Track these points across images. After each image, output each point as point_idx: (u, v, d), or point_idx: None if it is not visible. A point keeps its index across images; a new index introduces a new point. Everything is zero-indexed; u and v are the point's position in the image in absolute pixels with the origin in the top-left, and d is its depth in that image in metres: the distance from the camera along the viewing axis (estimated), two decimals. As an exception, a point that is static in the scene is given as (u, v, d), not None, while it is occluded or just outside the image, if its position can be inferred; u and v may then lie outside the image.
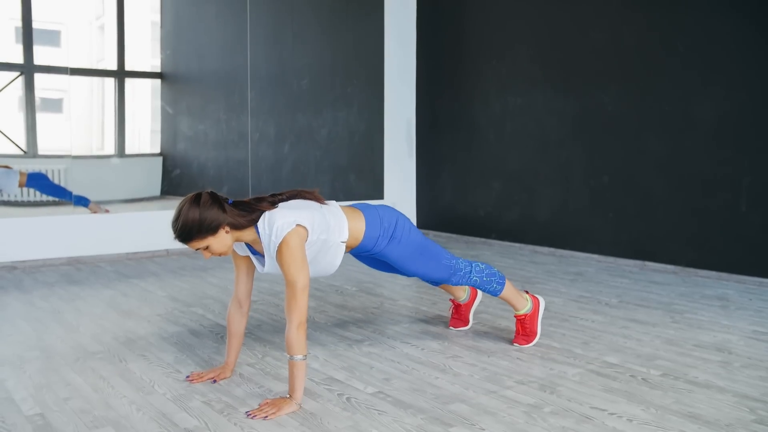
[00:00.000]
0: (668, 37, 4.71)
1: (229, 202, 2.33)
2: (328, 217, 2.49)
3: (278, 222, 2.29)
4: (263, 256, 2.46)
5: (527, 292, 3.02)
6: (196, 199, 2.27)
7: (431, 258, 2.75)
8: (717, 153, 4.49)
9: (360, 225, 2.58)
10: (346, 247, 2.60)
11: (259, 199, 2.40)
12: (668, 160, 4.75)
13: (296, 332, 2.22)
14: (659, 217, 4.82)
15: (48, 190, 5.22)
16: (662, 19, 4.75)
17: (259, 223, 2.33)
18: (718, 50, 4.47)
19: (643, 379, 2.55)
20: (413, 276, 2.80)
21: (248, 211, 2.33)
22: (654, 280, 4.44)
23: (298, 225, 2.31)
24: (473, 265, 2.87)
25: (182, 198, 2.32)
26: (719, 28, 4.46)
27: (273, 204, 2.39)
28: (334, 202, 2.61)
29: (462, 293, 3.23)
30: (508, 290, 2.91)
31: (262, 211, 2.34)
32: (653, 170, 4.84)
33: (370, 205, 2.70)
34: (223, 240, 2.29)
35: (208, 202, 2.26)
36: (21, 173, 5.07)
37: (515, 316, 2.98)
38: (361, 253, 2.71)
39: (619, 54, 5.02)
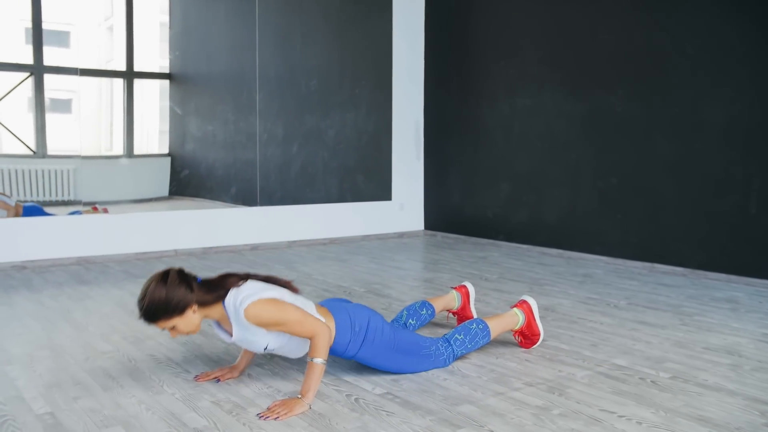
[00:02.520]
0: (678, 39, 4.70)
1: (198, 280, 2.29)
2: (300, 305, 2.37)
3: (245, 292, 2.25)
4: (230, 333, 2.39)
5: (515, 305, 2.98)
6: (164, 278, 2.21)
7: (408, 353, 2.57)
8: (726, 155, 4.47)
9: (330, 327, 2.42)
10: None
11: (229, 275, 2.34)
12: (677, 161, 4.73)
13: (322, 338, 2.27)
14: (668, 219, 4.80)
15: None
16: (672, 21, 4.74)
17: (227, 298, 2.28)
18: (727, 52, 4.45)
19: (652, 381, 2.54)
20: (392, 373, 2.60)
21: (215, 288, 2.28)
22: (663, 283, 4.43)
23: (261, 299, 2.24)
24: (452, 341, 2.69)
25: (150, 276, 2.26)
26: (729, 30, 4.44)
27: (244, 279, 2.34)
28: (308, 299, 2.49)
29: (452, 302, 3.24)
30: (496, 330, 2.83)
31: (230, 287, 2.29)
32: (662, 172, 4.82)
33: (341, 303, 2.56)
34: (190, 320, 2.24)
35: (176, 281, 2.21)
36: (17, 204, 5.05)
37: (513, 333, 2.97)
38: (330, 356, 2.53)
39: (628, 56, 5.01)
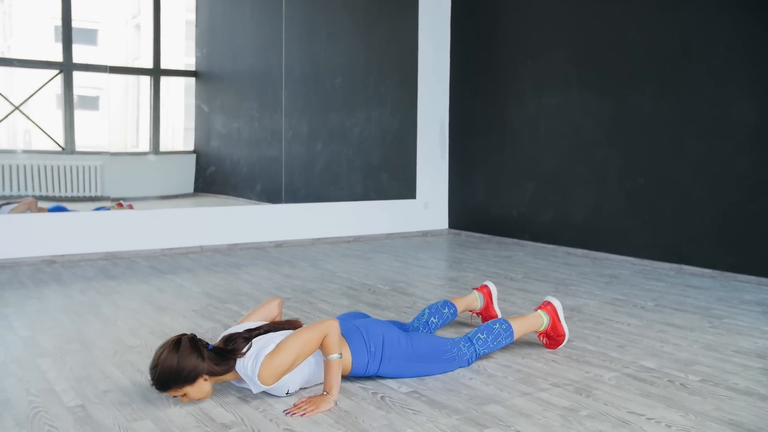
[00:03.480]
0: (709, 38, 4.63)
1: (209, 347, 2.28)
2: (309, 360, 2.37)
3: (250, 361, 2.24)
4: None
5: (539, 307, 2.96)
6: (176, 346, 2.20)
7: (429, 360, 2.56)
8: (757, 154, 4.40)
9: (346, 355, 2.42)
10: None
11: (233, 339, 2.32)
12: (706, 161, 4.67)
13: (331, 335, 2.27)
14: (696, 220, 4.74)
15: None
16: (702, 19, 4.67)
17: (237, 368, 2.28)
18: (759, 50, 4.37)
19: (681, 384, 2.51)
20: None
21: (226, 359, 2.27)
22: (691, 284, 4.37)
23: (265, 357, 2.22)
24: (474, 340, 2.68)
25: (162, 343, 2.26)
26: (761, 29, 4.37)
27: (248, 341, 2.32)
28: None
29: (475, 302, 3.23)
30: (519, 331, 2.81)
31: (238, 357, 2.28)
32: (690, 172, 4.76)
33: (354, 323, 2.55)
34: (201, 388, 2.23)
35: (188, 349, 2.20)
36: (39, 209, 5.11)
37: (538, 335, 2.95)
38: (356, 376, 2.53)
39: (657, 54, 4.94)
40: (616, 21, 5.23)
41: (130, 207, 5.44)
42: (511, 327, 2.77)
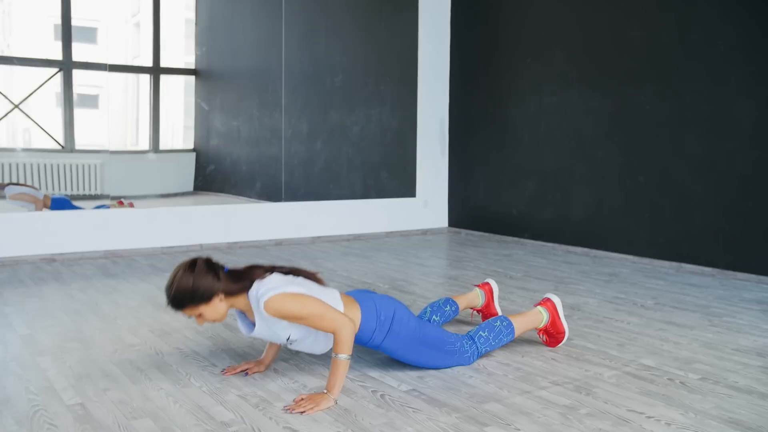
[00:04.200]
0: (709, 36, 4.63)
1: (225, 269, 2.31)
2: (325, 299, 2.37)
3: (270, 284, 2.26)
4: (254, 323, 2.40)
5: (538, 303, 2.96)
6: (191, 266, 2.24)
7: (433, 348, 2.57)
8: (757, 153, 4.40)
9: (356, 316, 2.43)
10: None
11: (255, 267, 2.37)
12: (706, 159, 4.67)
13: (346, 333, 2.26)
14: (696, 219, 4.74)
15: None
16: (703, 17, 4.67)
17: (251, 291, 2.29)
18: (759, 48, 4.37)
19: (681, 382, 2.51)
20: (417, 366, 2.60)
21: (241, 279, 2.30)
22: (691, 283, 4.37)
23: (283, 293, 2.24)
24: (476, 338, 2.69)
25: (178, 264, 2.29)
26: (761, 26, 4.37)
27: (269, 272, 2.35)
28: (334, 289, 2.50)
29: (476, 299, 3.23)
30: (520, 328, 2.82)
31: (254, 279, 2.31)
32: (691, 170, 4.76)
33: (368, 294, 2.56)
34: (216, 308, 2.26)
35: (203, 270, 2.24)
36: (45, 196, 5.14)
37: (537, 332, 2.95)
38: (356, 345, 2.56)
39: (657, 53, 4.94)
40: (616, 19, 5.22)
41: (131, 205, 5.44)
42: (512, 324, 2.78)
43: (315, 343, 2.42)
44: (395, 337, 2.49)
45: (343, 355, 2.25)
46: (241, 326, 2.44)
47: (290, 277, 2.38)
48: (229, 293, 2.28)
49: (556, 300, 2.95)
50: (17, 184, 5.00)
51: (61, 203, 5.18)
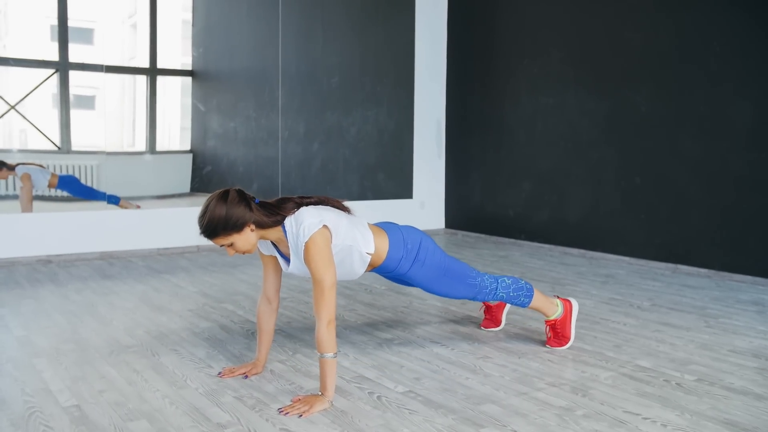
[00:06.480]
0: (705, 37, 4.64)
1: (256, 201, 2.35)
2: (355, 226, 2.48)
3: (306, 221, 2.30)
4: (287, 257, 2.46)
5: (558, 297, 2.99)
6: (224, 196, 2.28)
7: (455, 278, 2.70)
8: (753, 154, 4.41)
9: (383, 244, 2.55)
10: (369, 265, 2.57)
11: (286, 200, 2.41)
12: (702, 161, 4.68)
13: (326, 330, 2.23)
14: (692, 220, 4.75)
15: (79, 192, 5.31)
16: (698, 18, 4.68)
17: (286, 222, 2.35)
18: (755, 50, 4.38)
19: (677, 383, 2.52)
20: (437, 295, 2.72)
21: (274, 212, 2.34)
22: (687, 284, 4.38)
23: (324, 226, 2.31)
24: (499, 281, 2.80)
25: (210, 194, 2.34)
26: (757, 28, 4.38)
27: (299, 206, 2.40)
28: (362, 219, 2.59)
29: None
30: (537, 300, 2.87)
31: (287, 214, 2.35)
32: (686, 171, 4.77)
33: (394, 224, 2.66)
34: (248, 238, 2.30)
35: (236, 199, 2.28)
36: (53, 174, 5.16)
37: (546, 322, 2.96)
38: (383, 273, 2.68)
39: (653, 54, 4.95)
40: (612, 21, 5.23)
41: (137, 206, 5.43)
42: (533, 290, 2.86)
43: (346, 272, 2.51)
44: (421, 265, 2.60)
45: (329, 354, 2.24)
46: (278, 259, 2.48)
47: (321, 207, 2.43)
48: (261, 225, 2.32)
49: (575, 305, 2.98)
50: (25, 164, 5.05)
51: (68, 181, 5.21)
